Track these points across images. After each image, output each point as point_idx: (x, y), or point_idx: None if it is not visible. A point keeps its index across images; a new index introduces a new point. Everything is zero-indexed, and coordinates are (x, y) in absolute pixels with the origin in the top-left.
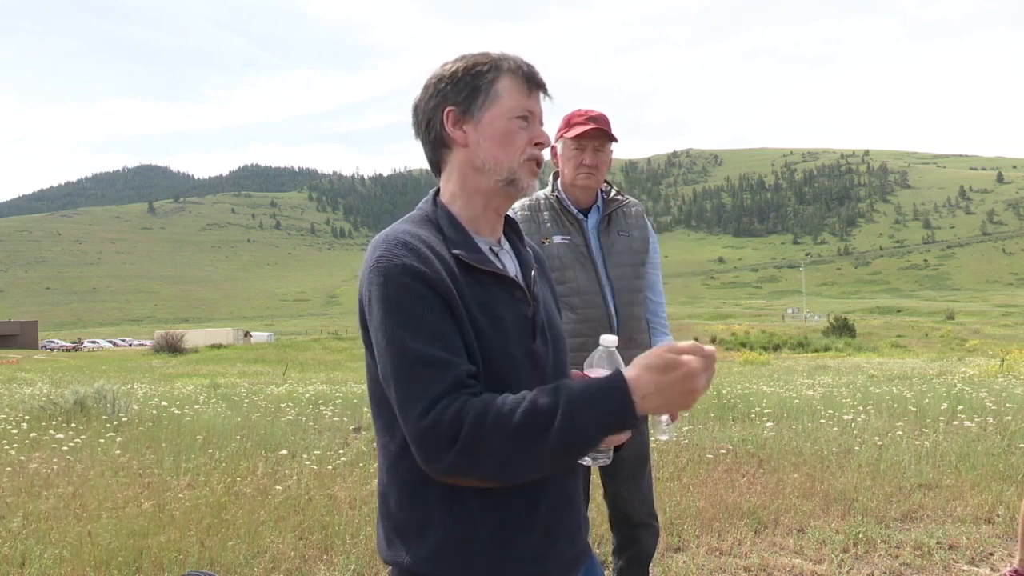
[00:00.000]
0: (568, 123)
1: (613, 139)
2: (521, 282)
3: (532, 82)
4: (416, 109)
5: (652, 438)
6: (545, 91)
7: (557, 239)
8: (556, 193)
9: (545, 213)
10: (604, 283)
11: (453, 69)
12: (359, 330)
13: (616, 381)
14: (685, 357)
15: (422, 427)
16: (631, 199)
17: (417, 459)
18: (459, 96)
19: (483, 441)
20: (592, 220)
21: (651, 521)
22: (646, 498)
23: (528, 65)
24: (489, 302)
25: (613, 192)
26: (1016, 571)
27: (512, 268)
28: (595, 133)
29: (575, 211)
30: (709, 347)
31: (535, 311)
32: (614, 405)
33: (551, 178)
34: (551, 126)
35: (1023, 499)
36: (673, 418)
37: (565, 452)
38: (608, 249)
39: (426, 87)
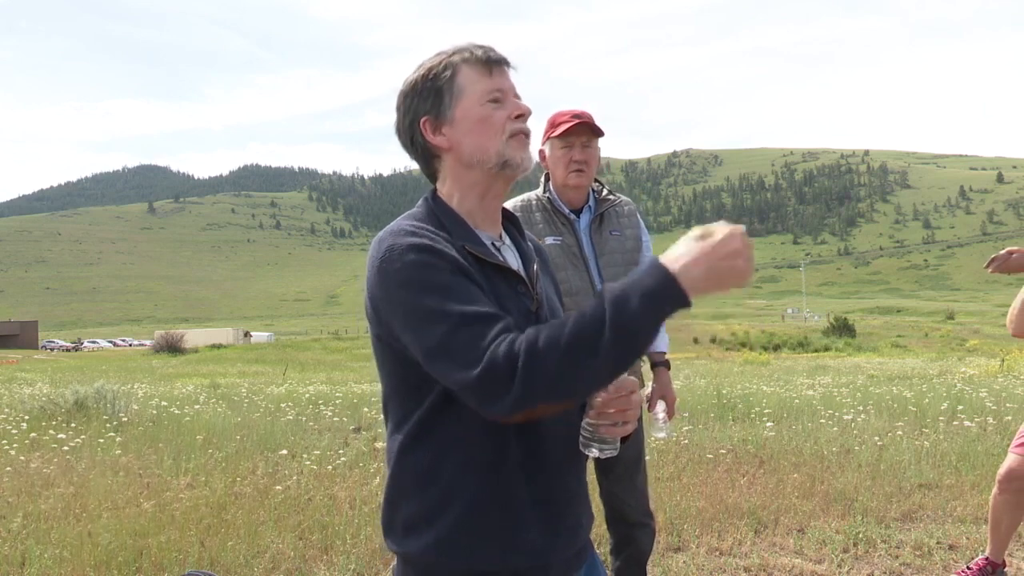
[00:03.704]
0: (553, 124)
1: (599, 133)
2: (524, 276)
3: (490, 62)
4: (398, 132)
5: (650, 437)
6: (507, 64)
7: (549, 240)
8: (548, 194)
9: (537, 214)
10: (596, 283)
11: (413, 80)
12: (368, 327)
13: (653, 260)
14: (715, 226)
15: (478, 373)
16: (623, 198)
17: (482, 410)
18: (427, 104)
19: (541, 363)
20: (584, 220)
21: (647, 520)
22: (642, 497)
23: (481, 48)
24: (495, 295)
25: (605, 192)
26: (988, 559)
27: (514, 262)
28: (581, 128)
29: (567, 211)
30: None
31: (539, 306)
32: (656, 280)
33: (542, 179)
34: (536, 126)
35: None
36: (669, 415)
37: (624, 349)
38: (600, 249)
39: (397, 107)
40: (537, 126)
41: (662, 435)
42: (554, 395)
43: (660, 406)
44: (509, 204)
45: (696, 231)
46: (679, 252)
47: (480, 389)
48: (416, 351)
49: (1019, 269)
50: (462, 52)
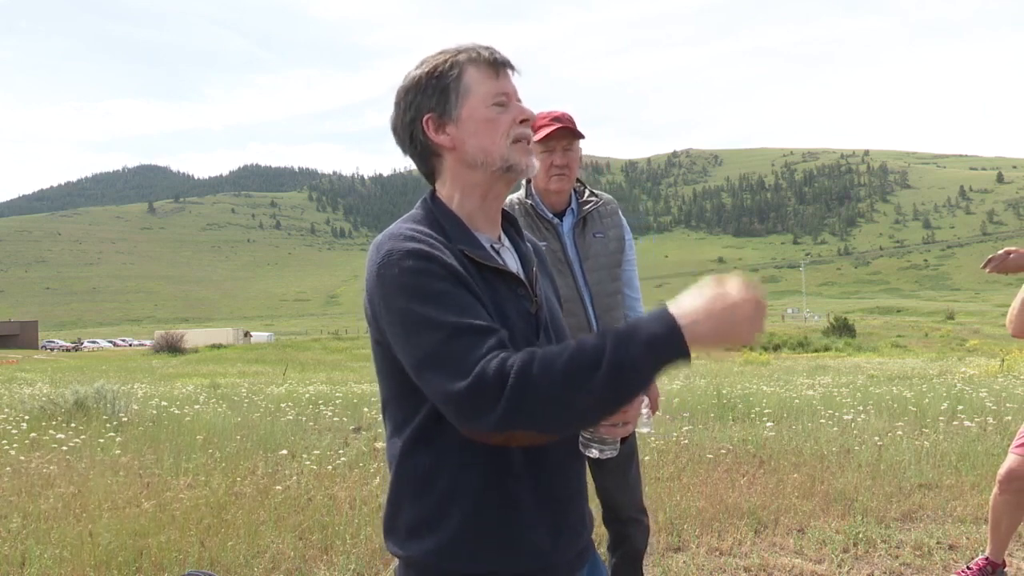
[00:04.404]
0: (532, 128)
1: (580, 136)
2: (523, 278)
3: (496, 64)
4: (395, 128)
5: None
6: (512, 67)
7: None
8: (530, 200)
9: (521, 220)
10: (582, 288)
11: (417, 77)
12: (368, 331)
13: (660, 308)
14: (731, 282)
15: (465, 387)
16: (605, 196)
17: (463, 425)
18: (432, 102)
19: (531, 388)
20: (567, 224)
21: (640, 517)
22: (635, 493)
23: (487, 49)
24: (494, 298)
25: (587, 193)
26: (988, 559)
27: (513, 265)
28: (561, 133)
29: (550, 216)
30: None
31: (538, 308)
32: (662, 329)
33: (524, 182)
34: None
35: (994, 491)
36: (654, 409)
37: (617, 389)
38: (584, 253)
39: (397, 103)
40: None
41: (645, 430)
42: (537, 422)
43: (644, 401)
44: None
45: (711, 285)
46: (690, 305)
47: (465, 402)
48: (405, 359)
49: (1017, 269)
50: (468, 52)
